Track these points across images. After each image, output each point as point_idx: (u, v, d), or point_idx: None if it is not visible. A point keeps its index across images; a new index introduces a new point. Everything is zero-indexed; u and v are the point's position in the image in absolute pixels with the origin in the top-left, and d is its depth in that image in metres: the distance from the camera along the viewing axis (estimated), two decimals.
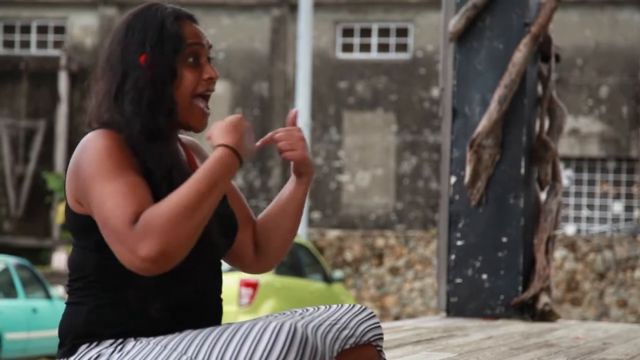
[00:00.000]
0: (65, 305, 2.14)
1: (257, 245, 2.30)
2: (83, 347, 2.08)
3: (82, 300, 2.10)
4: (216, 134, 2.06)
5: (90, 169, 2.03)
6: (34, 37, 26.30)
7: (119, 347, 2.05)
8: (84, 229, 2.09)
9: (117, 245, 1.97)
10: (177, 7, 2.18)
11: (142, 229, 1.93)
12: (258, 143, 2.19)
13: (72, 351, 2.09)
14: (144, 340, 2.06)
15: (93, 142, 2.06)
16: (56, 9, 26.21)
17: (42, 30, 26.30)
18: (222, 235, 2.16)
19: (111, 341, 2.07)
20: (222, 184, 2.00)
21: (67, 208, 2.12)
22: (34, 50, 26.17)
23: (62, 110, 24.84)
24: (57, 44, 26.08)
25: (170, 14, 2.15)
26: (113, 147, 2.04)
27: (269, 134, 2.25)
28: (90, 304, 2.08)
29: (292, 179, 2.29)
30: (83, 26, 26.11)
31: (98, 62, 2.17)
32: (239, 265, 2.33)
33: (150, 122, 2.08)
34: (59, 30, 26.24)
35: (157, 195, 2.02)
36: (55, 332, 11.14)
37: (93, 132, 2.09)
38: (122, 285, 2.07)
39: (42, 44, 26.27)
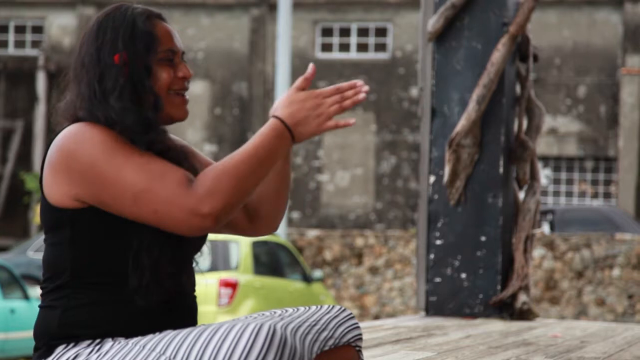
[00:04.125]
0: (39, 309, 2.13)
1: (248, 213, 2.28)
2: (60, 348, 2.07)
3: (54, 303, 2.09)
4: (278, 104, 2.06)
5: (96, 150, 2.03)
6: (11, 36, 26.17)
7: (97, 347, 2.05)
8: (60, 224, 2.08)
9: (168, 207, 1.99)
10: (147, 7, 2.19)
11: (205, 187, 1.99)
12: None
13: (49, 352, 2.08)
14: (122, 340, 2.05)
15: (84, 130, 2.06)
16: (34, 9, 26.09)
17: (20, 30, 26.17)
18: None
19: (89, 341, 2.06)
20: (279, 151, 2.04)
21: (43, 203, 2.10)
22: (11, 50, 26.04)
23: (40, 110, 24.73)
24: (35, 44, 25.96)
25: (142, 12, 2.16)
26: (109, 131, 2.06)
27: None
28: (63, 306, 2.07)
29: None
30: (61, 26, 26.00)
31: (71, 62, 2.17)
32: (236, 232, 2.31)
33: (139, 116, 2.09)
34: (37, 30, 26.12)
35: None
36: None
37: (76, 124, 2.08)
38: (97, 283, 2.07)
39: (19, 44, 26.14)
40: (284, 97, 2.07)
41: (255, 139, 2.04)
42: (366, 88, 2.07)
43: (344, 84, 2.07)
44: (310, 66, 2.06)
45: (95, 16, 2.19)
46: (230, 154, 2.05)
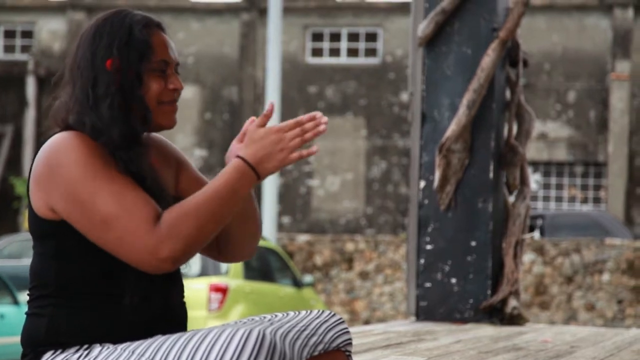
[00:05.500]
0: (25, 317, 2.12)
1: (218, 245, 2.25)
2: (48, 354, 2.06)
3: (41, 311, 2.08)
4: (243, 143, 2.06)
5: (77, 169, 2.02)
6: (1, 41, 26.11)
7: (85, 353, 2.04)
8: (45, 234, 2.07)
9: (129, 242, 1.98)
10: (147, 15, 2.18)
11: (166, 230, 1.98)
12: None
13: (36, 359, 2.07)
14: (111, 346, 2.04)
15: (70, 143, 2.04)
16: (24, 14, 26.04)
17: (10, 34, 26.12)
18: None
19: (76, 347, 2.05)
20: (241, 190, 2.03)
21: (31, 212, 2.10)
22: (1, 55, 25.98)
23: (30, 115, 24.68)
24: (25, 49, 25.91)
25: (140, 20, 2.15)
26: (94, 147, 2.05)
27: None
28: (50, 314, 2.07)
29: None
30: (51, 31, 25.95)
31: (65, 65, 2.16)
32: (210, 257, 2.29)
33: (128, 128, 2.08)
34: (27, 34, 26.07)
35: None
36: None
37: (63, 134, 2.07)
38: (81, 293, 2.06)
39: (9, 49, 26.09)
40: (250, 134, 2.06)
41: (217, 180, 2.03)
42: (325, 119, 2.08)
43: (304, 117, 2.08)
44: (269, 103, 2.06)
45: (94, 19, 2.18)
46: (195, 193, 2.03)
